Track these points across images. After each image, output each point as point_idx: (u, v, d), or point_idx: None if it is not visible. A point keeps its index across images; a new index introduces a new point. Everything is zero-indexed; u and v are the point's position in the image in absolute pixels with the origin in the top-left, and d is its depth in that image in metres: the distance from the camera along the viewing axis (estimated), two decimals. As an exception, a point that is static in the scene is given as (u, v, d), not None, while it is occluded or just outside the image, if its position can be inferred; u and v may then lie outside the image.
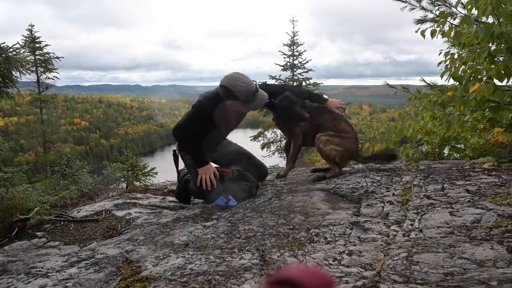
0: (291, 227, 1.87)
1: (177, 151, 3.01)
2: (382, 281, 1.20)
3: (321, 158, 3.16)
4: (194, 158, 2.81)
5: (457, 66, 3.70)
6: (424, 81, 4.95)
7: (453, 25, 3.96)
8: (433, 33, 3.87)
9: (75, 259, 1.82)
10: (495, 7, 3.21)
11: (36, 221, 2.76)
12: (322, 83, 16.27)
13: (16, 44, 4.20)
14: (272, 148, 15.34)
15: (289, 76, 15.85)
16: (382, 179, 2.58)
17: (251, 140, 15.51)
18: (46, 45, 14.51)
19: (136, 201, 3.35)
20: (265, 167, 3.25)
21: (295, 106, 2.86)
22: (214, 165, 2.89)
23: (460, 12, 4.43)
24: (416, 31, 3.96)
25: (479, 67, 3.53)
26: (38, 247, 2.32)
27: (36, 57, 14.22)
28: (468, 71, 3.57)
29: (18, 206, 2.72)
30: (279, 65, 15.81)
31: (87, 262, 1.76)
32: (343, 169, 3.00)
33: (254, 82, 2.69)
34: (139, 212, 2.96)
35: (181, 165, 3.09)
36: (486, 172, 2.45)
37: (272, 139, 15.38)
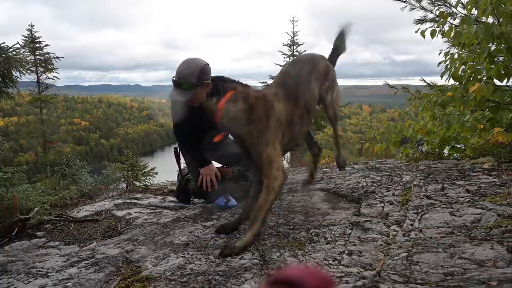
0: (291, 227, 1.87)
1: (178, 149, 3.00)
2: (382, 281, 1.20)
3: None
4: (195, 159, 2.81)
5: (457, 66, 3.70)
6: (424, 81, 4.95)
7: (453, 25, 3.97)
8: (433, 33, 3.87)
9: (75, 259, 1.82)
10: (495, 7, 3.21)
11: (36, 221, 2.76)
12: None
13: (16, 44, 4.20)
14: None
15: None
16: (382, 179, 2.58)
17: (251, 140, 15.48)
18: (46, 45, 14.49)
19: (136, 201, 3.35)
20: None
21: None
22: (217, 164, 2.88)
23: (460, 12, 4.44)
24: (416, 31, 3.96)
25: (479, 67, 3.54)
26: (38, 247, 2.32)
27: (36, 57, 14.20)
28: (468, 71, 3.57)
29: (18, 206, 2.72)
30: (279, 65, 15.76)
31: (87, 262, 1.76)
32: (344, 169, 2.99)
33: (183, 79, 2.43)
34: (139, 212, 2.96)
35: (183, 163, 3.08)
36: (486, 172, 2.45)
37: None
